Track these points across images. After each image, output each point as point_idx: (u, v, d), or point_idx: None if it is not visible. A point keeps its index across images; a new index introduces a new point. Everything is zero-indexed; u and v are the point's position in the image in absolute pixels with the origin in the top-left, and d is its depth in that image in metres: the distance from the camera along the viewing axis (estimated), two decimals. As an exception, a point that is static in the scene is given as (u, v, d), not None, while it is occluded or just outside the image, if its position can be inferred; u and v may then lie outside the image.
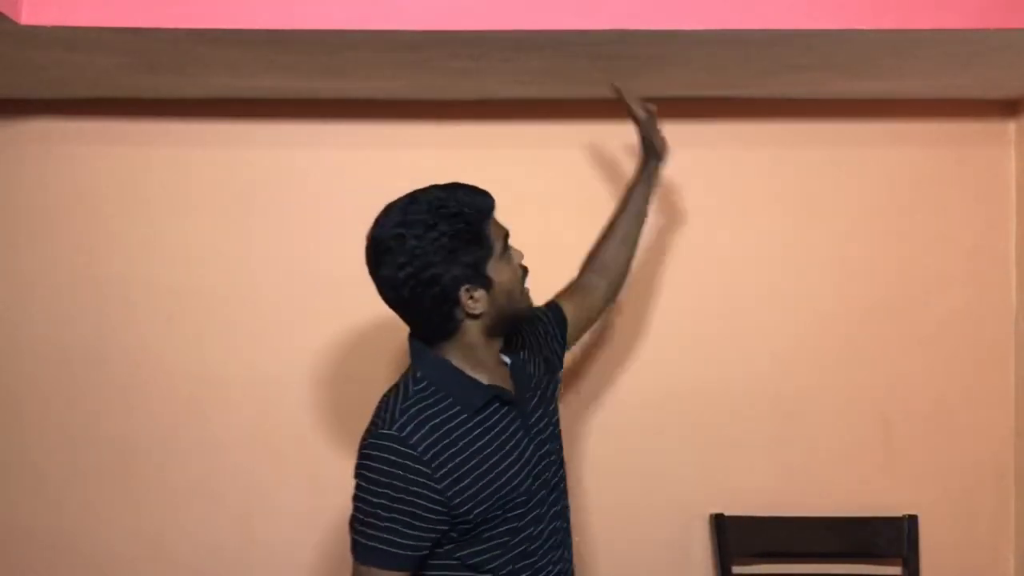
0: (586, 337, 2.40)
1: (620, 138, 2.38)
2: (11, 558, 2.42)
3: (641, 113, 1.97)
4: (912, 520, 2.37)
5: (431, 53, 1.90)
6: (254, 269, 2.41)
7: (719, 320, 2.41)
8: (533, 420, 1.64)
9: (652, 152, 2.01)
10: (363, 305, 2.37)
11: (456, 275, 1.51)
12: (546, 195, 2.37)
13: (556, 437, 1.71)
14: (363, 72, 2.07)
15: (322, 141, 2.40)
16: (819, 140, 2.41)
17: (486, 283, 1.54)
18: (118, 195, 2.41)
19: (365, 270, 2.34)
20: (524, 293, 1.64)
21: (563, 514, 1.70)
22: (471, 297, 1.53)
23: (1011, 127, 2.41)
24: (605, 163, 2.38)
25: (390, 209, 1.54)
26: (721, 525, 2.37)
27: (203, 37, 1.78)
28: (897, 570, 2.41)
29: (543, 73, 2.04)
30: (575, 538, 1.75)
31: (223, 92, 2.29)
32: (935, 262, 2.42)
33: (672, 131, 2.38)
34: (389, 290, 1.54)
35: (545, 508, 1.63)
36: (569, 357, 2.40)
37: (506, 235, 1.59)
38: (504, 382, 1.63)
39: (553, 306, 1.88)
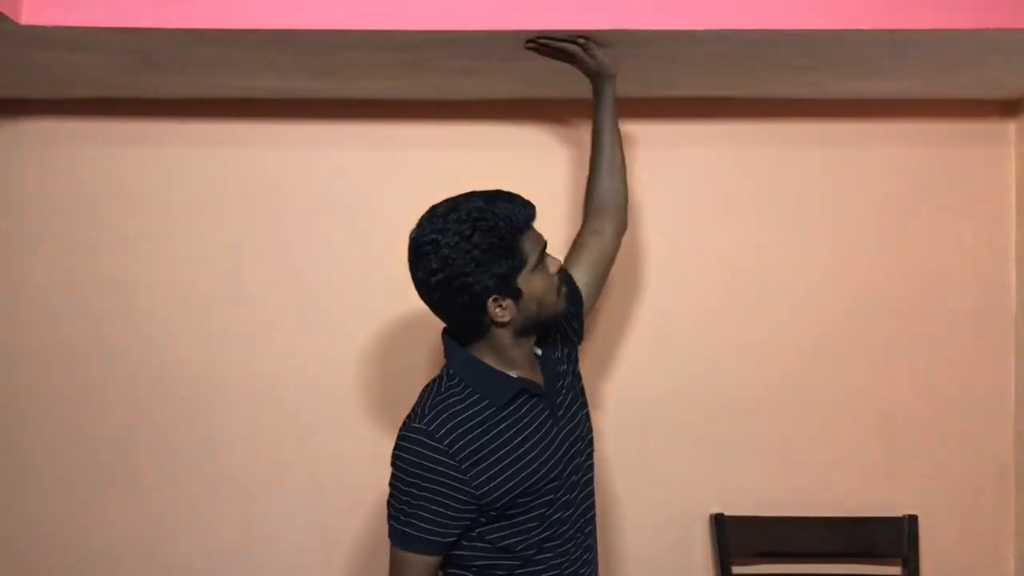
0: (586, 338, 2.40)
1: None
2: (11, 558, 2.42)
3: (573, 47, 1.84)
4: (912, 520, 2.37)
5: (431, 53, 1.90)
6: (254, 269, 2.41)
7: (719, 320, 2.41)
8: (563, 410, 1.71)
9: (599, 73, 1.90)
10: (363, 305, 2.39)
11: (486, 285, 1.56)
12: (546, 195, 2.36)
13: (586, 420, 1.79)
14: (363, 72, 2.07)
15: (322, 141, 2.40)
16: (819, 140, 2.41)
17: (515, 294, 1.59)
18: (118, 195, 2.41)
19: (365, 270, 2.36)
20: (559, 298, 1.67)
21: (591, 499, 1.77)
22: (499, 306, 1.59)
23: (1011, 127, 2.41)
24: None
25: (432, 213, 1.60)
26: (721, 525, 2.37)
27: (203, 37, 1.78)
28: (897, 570, 2.41)
29: (543, 73, 2.04)
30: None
31: (223, 92, 2.29)
32: (935, 262, 2.42)
33: (672, 131, 2.40)
34: (422, 291, 1.61)
35: (576, 493, 1.71)
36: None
37: (544, 245, 1.64)
38: (535, 375, 1.69)
39: (566, 277, 1.86)
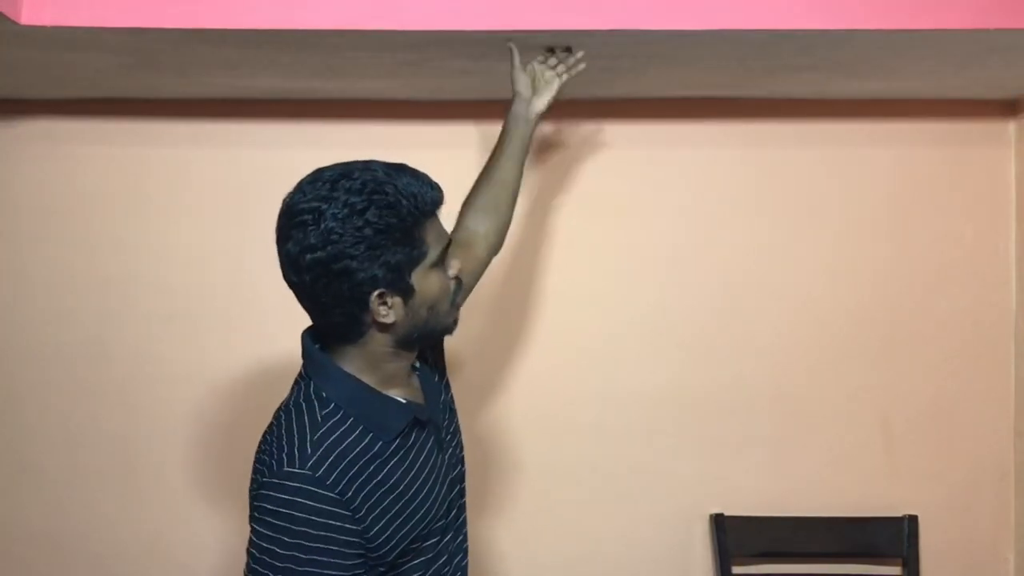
0: (588, 338, 2.40)
1: (621, 138, 2.38)
2: (11, 558, 2.42)
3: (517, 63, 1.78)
4: (912, 520, 2.37)
5: (431, 53, 1.90)
6: (254, 269, 2.41)
7: (719, 320, 2.41)
8: (444, 433, 1.48)
9: (534, 106, 1.79)
10: (363, 305, 2.38)
11: (373, 275, 1.27)
12: (546, 195, 2.37)
13: (458, 435, 1.55)
14: (363, 72, 2.07)
15: (322, 141, 2.40)
16: (819, 140, 2.40)
17: (406, 291, 1.31)
18: (118, 195, 2.41)
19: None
20: (452, 309, 1.41)
21: (466, 527, 1.55)
22: (384, 303, 1.30)
23: (1011, 127, 2.41)
24: (604, 163, 2.38)
25: (317, 177, 1.31)
26: (721, 525, 2.37)
27: (203, 37, 1.78)
28: (897, 570, 2.41)
29: (543, 73, 2.04)
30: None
31: (223, 92, 2.29)
32: (935, 262, 2.42)
33: (673, 131, 2.40)
34: (290, 270, 1.31)
35: (458, 526, 1.51)
36: (568, 353, 2.41)
37: (448, 242, 1.38)
38: (416, 395, 1.44)
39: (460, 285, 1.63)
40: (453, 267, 1.39)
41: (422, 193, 1.31)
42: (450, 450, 1.48)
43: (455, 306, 1.41)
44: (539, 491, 2.41)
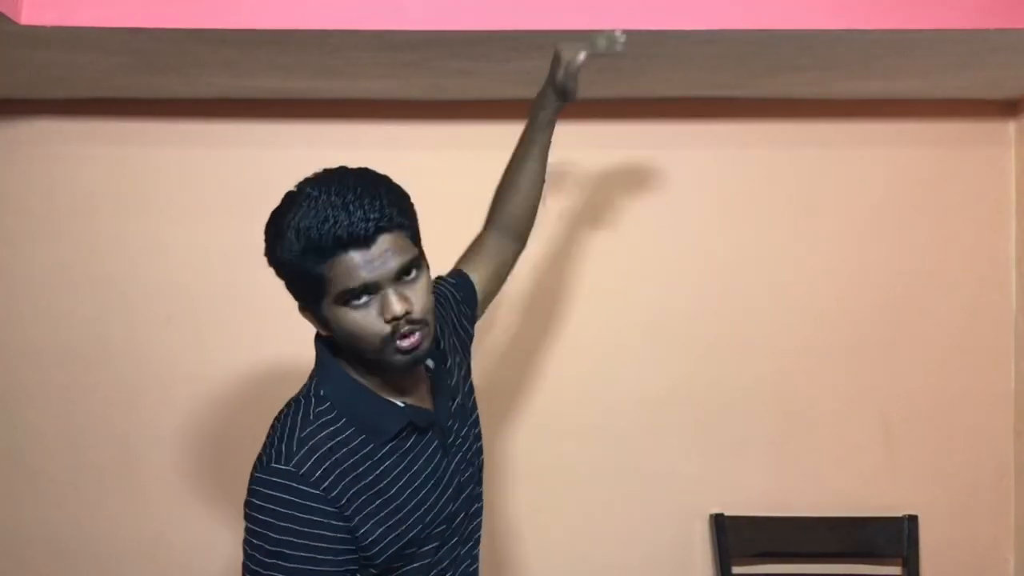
0: (587, 338, 2.40)
1: (621, 138, 2.39)
2: (11, 558, 2.42)
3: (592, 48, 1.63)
4: (912, 520, 2.38)
5: (431, 53, 1.90)
6: (255, 269, 2.38)
7: (719, 320, 2.41)
8: (452, 436, 1.45)
9: (568, 92, 1.66)
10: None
11: (296, 290, 1.34)
12: (545, 196, 2.36)
13: (476, 440, 1.52)
14: (363, 72, 2.07)
15: (322, 141, 2.40)
16: (819, 140, 2.41)
17: (320, 317, 1.32)
18: (118, 195, 2.41)
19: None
20: (390, 350, 1.29)
21: (480, 531, 1.53)
22: (312, 319, 1.35)
23: (1011, 127, 2.41)
24: (604, 163, 2.38)
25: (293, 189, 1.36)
26: (721, 525, 2.37)
27: (203, 37, 1.78)
28: (897, 570, 2.41)
29: (542, 73, 2.04)
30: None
31: (223, 92, 2.29)
32: (935, 262, 2.42)
33: (673, 131, 2.40)
34: None
35: (465, 527, 1.48)
36: (568, 353, 2.41)
37: (372, 285, 1.26)
38: (422, 397, 1.41)
39: (460, 277, 1.66)
40: (390, 310, 1.26)
41: (322, 230, 1.25)
42: (459, 455, 1.45)
43: (397, 348, 1.29)
44: (539, 492, 2.41)
